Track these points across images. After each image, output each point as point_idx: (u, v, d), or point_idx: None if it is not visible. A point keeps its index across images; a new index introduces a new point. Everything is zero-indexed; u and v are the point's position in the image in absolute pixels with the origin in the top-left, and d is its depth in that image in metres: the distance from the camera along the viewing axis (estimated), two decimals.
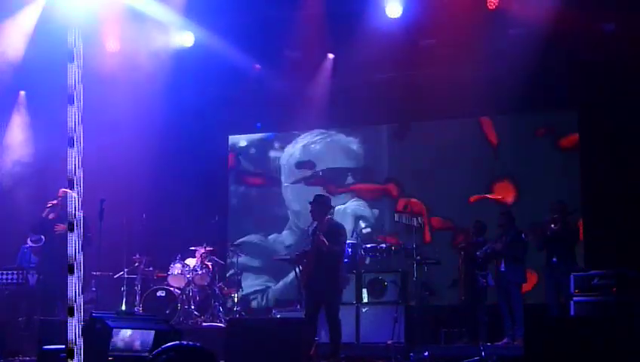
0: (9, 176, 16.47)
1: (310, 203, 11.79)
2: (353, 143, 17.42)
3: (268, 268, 17.32)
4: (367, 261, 14.58)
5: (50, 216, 13.23)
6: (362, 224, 16.85)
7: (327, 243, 11.24)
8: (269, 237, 17.62)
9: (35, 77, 16.04)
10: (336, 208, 16.07)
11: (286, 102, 17.01)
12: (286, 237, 17.53)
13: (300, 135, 17.82)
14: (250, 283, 17.05)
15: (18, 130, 17.00)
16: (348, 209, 17.08)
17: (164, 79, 16.06)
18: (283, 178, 17.85)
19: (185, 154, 17.16)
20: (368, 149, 17.32)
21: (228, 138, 18.28)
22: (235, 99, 17.02)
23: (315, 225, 11.74)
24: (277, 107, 17.11)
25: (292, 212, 17.53)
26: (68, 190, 12.77)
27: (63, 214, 12.90)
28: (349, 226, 15.33)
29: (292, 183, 17.69)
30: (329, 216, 11.96)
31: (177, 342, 5.13)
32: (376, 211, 17.00)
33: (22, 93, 17.12)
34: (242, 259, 15.83)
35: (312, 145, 17.75)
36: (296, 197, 17.43)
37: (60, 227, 12.85)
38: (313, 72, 16.81)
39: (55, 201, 13.25)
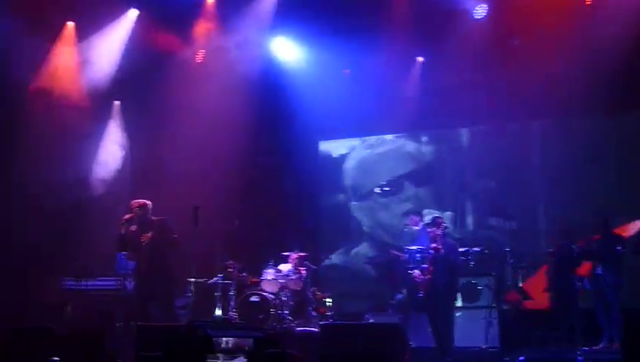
0: (105, 185, 16.92)
1: (427, 224, 13.16)
2: (434, 145, 17.46)
3: (360, 272, 17.37)
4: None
5: (132, 229, 13.39)
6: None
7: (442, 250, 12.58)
8: (359, 241, 17.71)
9: (129, 87, 16.50)
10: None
11: (375, 106, 17.06)
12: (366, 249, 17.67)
13: (388, 137, 17.84)
14: (344, 288, 17.11)
15: (113, 139, 17.45)
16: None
17: (255, 87, 16.30)
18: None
19: (277, 160, 17.35)
20: (454, 151, 17.32)
21: (318, 143, 18.41)
22: (325, 104, 17.13)
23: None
24: (366, 111, 17.19)
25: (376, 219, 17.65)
26: (141, 200, 13.12)
27: (143, 223, 13.24)
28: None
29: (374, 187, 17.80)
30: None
31: (274, 349, 5.24)
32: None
33: (116, 103, 17.56)
34: (334, 262, 15.91)
35: (399, 148, 17.79)
36: (380, 206, 17.54)
37: (145, 236, 13.13)
38: (403, 74, 16.83)
39: (130, 215, 13.42)
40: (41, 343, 10.48)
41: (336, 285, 16.09)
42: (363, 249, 17.68)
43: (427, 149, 17.67)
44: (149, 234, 13.07)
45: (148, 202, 13.34)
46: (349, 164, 18.24)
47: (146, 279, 13.16)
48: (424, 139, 17.66)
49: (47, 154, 15.56)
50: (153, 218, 13.25)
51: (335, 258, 17.33)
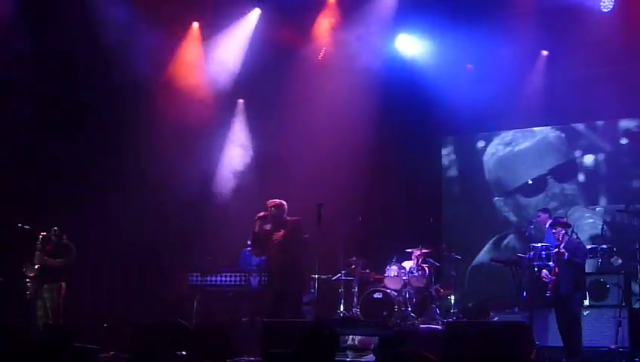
0: (229, 182, 17.22)
1: (551, 225, 12.99)
2: (566, 139, 17.15)
3: (485, 268, 17.22)
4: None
5: (267, 227, 13.59)
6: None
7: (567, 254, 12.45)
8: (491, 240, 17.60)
9: (252, 85, 16.73)
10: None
11: (499, 101, 16.87)
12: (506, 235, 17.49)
13: (513, 133, 17.63)
14: (467, 284, 16.93)
15: (237, 137, 17.74)
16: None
17: (378, 82, 16.31)
18: (491, 178, 17.76)
19: (399, 156, 17.31)
20: (582, 146, 16.99)
21: (441, 140, 18.31)
22: (448, 100, 17.03)
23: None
24: (489, 106, 17.01)
25: (509, 214, 17.41)
26: (277, 200, 13.29)
27: (277, 223, 13.40)
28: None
29: (499, 184, 17.57)
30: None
31: (401, 350, 5.22)
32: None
33: (240, 101, 17.84)
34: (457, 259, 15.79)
35: (525, 143, 17.53)
36: (512, 204, 17.34)
37: (278, 235, 13.28)
38: (527, 69, 16.60)
39: (264, 213, 13.62)
40: (170, 337, 10.72)
41: (461, 282, 15.90)
42: (511, 242, 17.52)
43: (566, 143, 17.37)
44: (282, 233, 13.24)
45: (283, 202, 13.53)
46: (488, 160, 18.04)
47: (277, 278, 13.34)
48: (561, 134, 17.32)
49: (173, 149, 15.92)
50: (288, 218, 13.41)
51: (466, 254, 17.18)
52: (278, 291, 13.19)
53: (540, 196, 17.34)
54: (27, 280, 13.49)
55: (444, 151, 18.41)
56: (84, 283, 14.39)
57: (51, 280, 13.53)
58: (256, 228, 13.48)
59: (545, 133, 17.52)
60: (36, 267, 13.44)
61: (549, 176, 17.28)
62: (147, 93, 16.18)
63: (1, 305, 14.40)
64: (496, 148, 18.01)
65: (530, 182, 17.45)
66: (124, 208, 15.97)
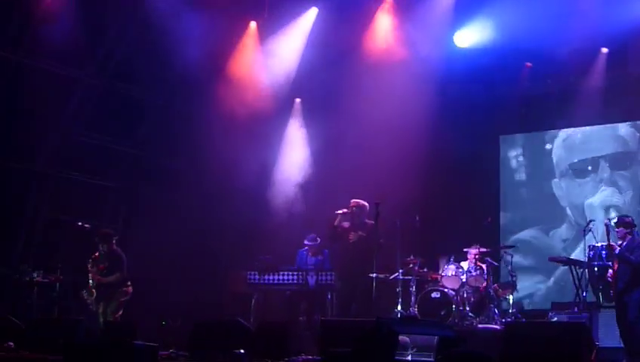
0: (288, 182, 17.33)
1: (615, 223, 12.97)
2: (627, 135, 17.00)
3: (543, 268, 17.12)
4: None
5: (345, 225, 13.74)
6: (612, 213, 16.34)
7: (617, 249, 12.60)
8: (549, 232, 17.49)
9: (310, 84, 16.82)
10: (586, 202, 16.65)
11: (558, 99, 16.74)
12: (563, 231, 17.33)
13: (570, 130, 17.52)
14: (525, 284, 16.83)
15: (295, 136, 17.85)
16: (595, 202, 16.87)
17: (436, 79, 16.30)
18: (556, 173, 17.64)
19: (456, 154, 17.24)
20: None
21: (499, 138, 18.23)
22: (506, 97, 16.95)
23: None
24: (547, 104, 16.86)
25: (567, 207, 17.31)
26: (360, 201, 13.43)
27: (356, 223, 13.52)
28: (599, 217, 15.50)
29: (563, 178, 17.45)
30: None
31: (462, 349, 5.20)
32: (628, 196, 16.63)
33: (297, 100, 17.94)
34: (516, 258, 15.69)
35: (583, 140, 17.41)
36: (568, 192, 17.23)
37: (354, 235, 13.38)
38: (586, 66, 16.48)
39: (346, 210, 13.76)
40: (229, 336, 10.85)
41: (519, 281, 15.80)
42: (562, 231, 17.45)
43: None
44: (360, 233, 13.38)
45: (366, 204, 13.78)
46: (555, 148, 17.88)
47: (349, 279, 13.44)
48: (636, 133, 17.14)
49: (232, 146, 16.08)
50: (367, 220, 13.56)
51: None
52: (348, 291, 13.26)
53: (588, 179, 17.24)
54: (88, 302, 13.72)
55: (506, 149, 18.28)
56: (144, 281, 14.56)
57: (109, 296, 13.69)
58: (336, 222, 13.86)
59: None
60: (92, 291, 13.65)
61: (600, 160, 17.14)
62: (205, 90, 16.37)
63: (63, 304, 14.75)
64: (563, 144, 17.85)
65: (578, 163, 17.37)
66: (183, 205, 16.16)
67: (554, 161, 17.67)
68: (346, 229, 13.72)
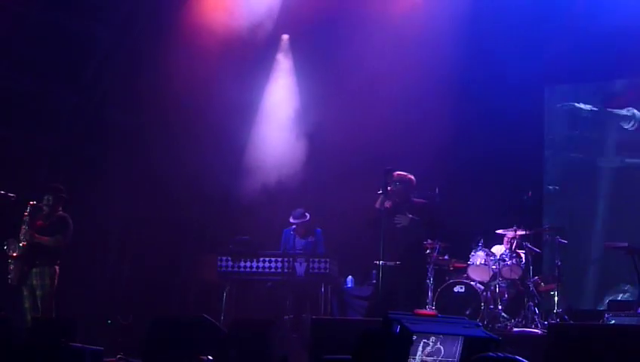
0: (271, 148, 17.22)
1: None
2: None
3: (597, 258, 17.18)
4: None
5: (387, 205, 13.51)
6: None
7: None
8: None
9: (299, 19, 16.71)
10: None
11: (616, 45, 16.69)
12: None
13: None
14: (575, 279, 16.90)
15: (282, 83, 17.78)
16: None
17: (462, 26, 16.23)
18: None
19: (489, 114, 17.15)
20: None
21: (544, 90, 18.16)
22: (550, 42, 16.88)
23: None
24: (603, 51, 16.82)
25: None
26: (404, 173, 13.26)
27: (400, 202, 13.37)
28: None
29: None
30: None
31: (496, 354, 5.01)
32: None
33: (284, 36, 17.81)
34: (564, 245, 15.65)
35: None
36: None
37: (405, 218, 13.24)
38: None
39: (390, 188, 13.55)
40: (193, 337, 10.78)
41: (566, 275, 15.79)
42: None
43: None
44: (409, 216, 13.25)
45: (412, 177, 13.54)
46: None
47: (394, 270, 13.28)
48: None
49: (201, 96, 16.01)
50: (415, 199, 13.43)
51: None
52: (389, 286, 13.13)
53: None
54: (10, 261, 13.35)
55: (547, 103, 18.31)
56: (85, 268, 14.49)
57: (42, 263, 13.30)
58: (378, 204, 13.32)
59: None
60: (22, 245, 13.29)
61: None
62: (168, 22, 16.24)
63: None
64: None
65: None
66: (138, 169, 16.08)
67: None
68: (387, 211, 13.44)
